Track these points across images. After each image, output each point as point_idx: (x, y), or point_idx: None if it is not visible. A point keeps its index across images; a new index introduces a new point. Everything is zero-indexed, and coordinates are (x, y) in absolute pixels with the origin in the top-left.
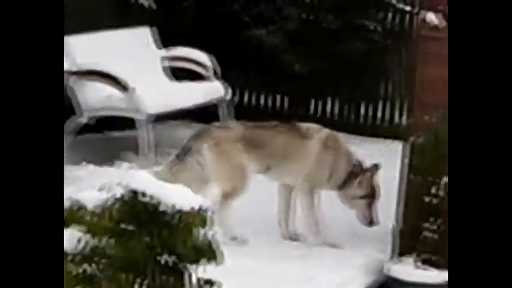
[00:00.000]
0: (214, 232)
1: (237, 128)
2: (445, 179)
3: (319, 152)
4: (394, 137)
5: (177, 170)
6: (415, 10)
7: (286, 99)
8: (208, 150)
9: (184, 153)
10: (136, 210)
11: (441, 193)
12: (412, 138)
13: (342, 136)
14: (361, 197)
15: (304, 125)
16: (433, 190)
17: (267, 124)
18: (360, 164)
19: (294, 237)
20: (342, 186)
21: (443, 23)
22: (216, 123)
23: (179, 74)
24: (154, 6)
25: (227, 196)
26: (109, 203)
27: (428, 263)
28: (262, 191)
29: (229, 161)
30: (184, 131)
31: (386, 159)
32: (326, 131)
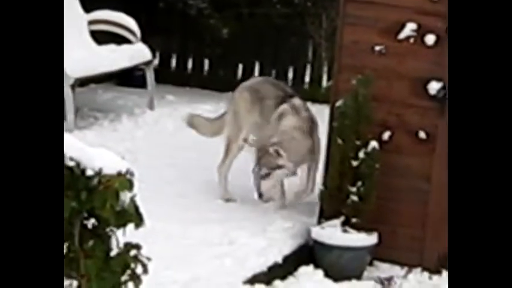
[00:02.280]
0: (135, 195)
1: None
2: (373, 143)
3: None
4: (323, 101)
5: None
6: None
7: (211, 64)
8: None
9: None
10: None
11: (361, 155)
12: (334, 102)
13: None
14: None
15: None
16: (354, 153)
17: None
18: None
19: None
20: None
21: None
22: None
23: (100, 37)
24: None
25: None
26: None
27: (355, 227)
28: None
29: None
30: (104, 95)
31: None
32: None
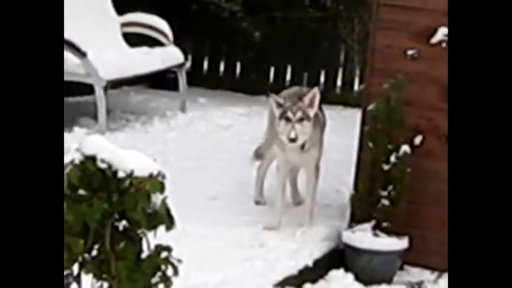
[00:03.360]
0: (166, 197)
1: None
2: (404, 147)
3: None
4: (355, 104)
5: None
6: None
7: (243, 67)
8: None
9: None
10: (90, 175)
11: (393, 159)
12: (365, 106)
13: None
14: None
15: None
16: (385, 157)
17: None
18: None
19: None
20: None
21: None
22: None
23: (133, 40)
24: None
25: None
26: (67, 169)
27: (385, 231)
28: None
29: None
30: (136, 97)
31: (346, 127)
32: None
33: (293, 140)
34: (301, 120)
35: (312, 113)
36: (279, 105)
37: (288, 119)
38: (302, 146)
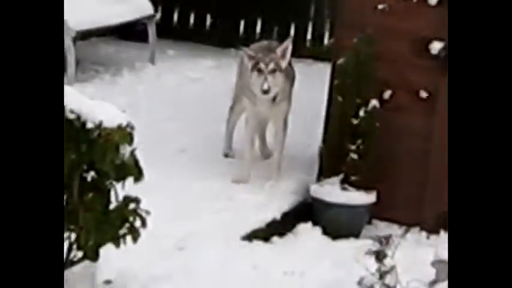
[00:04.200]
0: (135, 149)
1: None
2: (373, 102)
3: None
4: (325, 58)
5: None
6: None
7: (213, 19)
8: None
9: None
10: None
11: (361, 114)
12: (335, 60)
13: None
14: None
15: None
16: (354, 111)
17: None
18: None
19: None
20: None
21: None
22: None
23: None
24: None
25: None
26: None
27: (353, 185)
28: None
29: None
30: (105, 48)
31: (315, 81)
32: None
33: (266, 92)
34: (273, 71)
35: (284, 64)
36: (251, 57)
37: (260, 71)
38: (273, 99)
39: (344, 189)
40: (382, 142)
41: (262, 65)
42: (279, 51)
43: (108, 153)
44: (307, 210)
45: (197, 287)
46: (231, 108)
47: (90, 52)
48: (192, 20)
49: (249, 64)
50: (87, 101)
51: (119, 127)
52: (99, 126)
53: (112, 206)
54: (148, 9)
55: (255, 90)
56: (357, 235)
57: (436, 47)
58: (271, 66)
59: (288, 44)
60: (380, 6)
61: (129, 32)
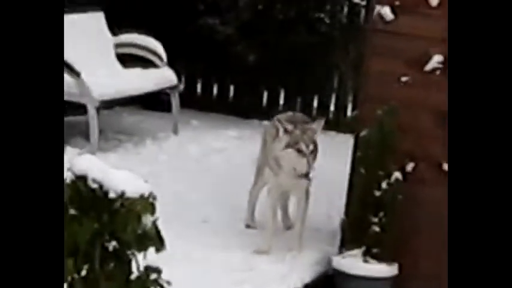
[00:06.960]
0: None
1: None
2: (396, 174)
3: None
4: (348, 130)
5: None
6: (364, 2)
7: (236, 90)
8: None
9: None
10: (81, 195)
11: (384, 186)
12: (358, 132)
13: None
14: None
15: None
16: (377, 183)
17: None
18: None
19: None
20: None
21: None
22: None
23: (127, 60)
24: None
25: None
26: None
27: (375, 257)
28: None
29: None
30: (129, 118)
31: (339, 153)
32: None
33: (306, 175)
34: (312, 152)
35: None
36: (287, 131)
37: (300, 151)
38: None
39: (366, 261)
40: (405, 215)
41: (303, 146)
42: (317, 129)
43: (130, 223)
44: (328, 282)
45: None
46: (254, 179)
47: (114, 121)
48: (215, 91)
49: (284, 138)
50: (110, 170)
51: (141, 197)
52: (121, 195)
53: (133, 276)
54: (172, 79)
55: (286, 168)
56: None
57: None
58: (311, 147)
59: (322, 124)
60: (403, 79)
61: (153, 102)
